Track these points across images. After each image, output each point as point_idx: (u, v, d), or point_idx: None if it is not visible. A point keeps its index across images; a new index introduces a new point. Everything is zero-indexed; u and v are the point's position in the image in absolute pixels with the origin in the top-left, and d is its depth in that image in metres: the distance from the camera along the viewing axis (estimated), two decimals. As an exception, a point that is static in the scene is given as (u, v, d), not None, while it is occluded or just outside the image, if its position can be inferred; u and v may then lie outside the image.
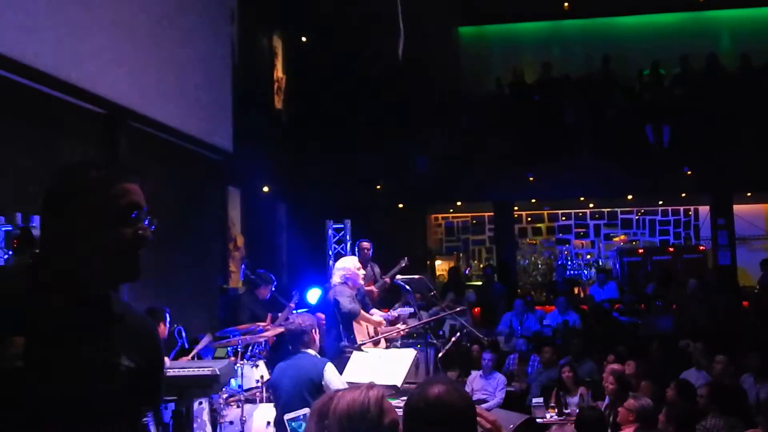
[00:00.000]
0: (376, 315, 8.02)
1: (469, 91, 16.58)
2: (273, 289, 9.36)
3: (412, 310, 8.83)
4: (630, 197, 16.78)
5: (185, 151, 10.30)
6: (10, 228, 6.03)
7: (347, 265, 7.74)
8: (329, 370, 5.63)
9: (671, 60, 15.67)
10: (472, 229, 18.64)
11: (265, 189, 12.94)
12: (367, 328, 7.59)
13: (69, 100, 7.60)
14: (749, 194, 15.92)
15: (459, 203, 17.13)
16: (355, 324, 7.40)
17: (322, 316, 7.57)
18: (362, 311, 7.53)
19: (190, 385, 5.04)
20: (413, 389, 2.61)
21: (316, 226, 12.24)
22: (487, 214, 17.78)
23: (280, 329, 8.17)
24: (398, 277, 7.99)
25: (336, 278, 7.70)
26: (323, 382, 5.54)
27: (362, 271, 7.81)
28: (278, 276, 11.20)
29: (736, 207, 15.32)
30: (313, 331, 5.88)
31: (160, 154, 9.64)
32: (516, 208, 16.69)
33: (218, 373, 5.08)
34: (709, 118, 14.18)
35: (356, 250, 10.61)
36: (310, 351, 5.79)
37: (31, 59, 6.68)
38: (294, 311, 8.96)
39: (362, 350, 6.63)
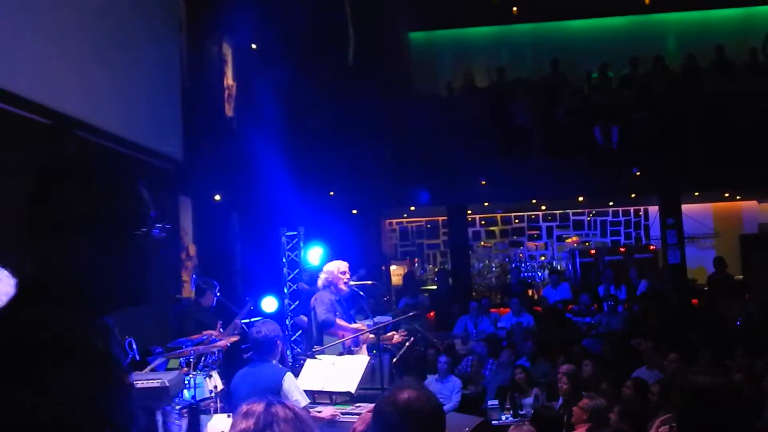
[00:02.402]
0: (359, 323, 7.94)
1: (420, 96, 16.65)
2: (217, 294, 9.27)
3: (389, 318, 8.80)
4: (581, 199, 16.96)
5: (134, 160, 10.16)
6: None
7: (330, 269, 7.65)
8: (288, 380, 5.59)
9: (619, 62, 15.91)
10: (426, 233, 18.70)
11: (217, 197, 12.83)
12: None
13: (12, 111, 7.45)
14: (697, 194, 16.20)
15: (412, 208, 17.16)
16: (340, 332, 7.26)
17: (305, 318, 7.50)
18: (340, 321, 7.37)
19: (138, 397, 4.97)
20: (382, 394, 2.61)
21: (269, 233, 12.17)
22: (440, 218, 17.85)
23: (234, 338, 8.12)
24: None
25: (319, 282, 7.64)
26: (282, 392, 5.51)
27: (347, 275, 7.70)
28: (232, 285, 11.13)
29: (684, 207, 15.57)
30: (278, 341, 5.85)
31: (107, 164, 9.48)
32: (469, 211, 16.78)
33: (167, 384, 5.02)
34: (657, 118, 14.40)
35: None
36: (273, 360, 5.76)
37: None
38: (244, 319, 8.89)
39: (316, 358, 6.61)
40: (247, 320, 9.33)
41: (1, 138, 7.41)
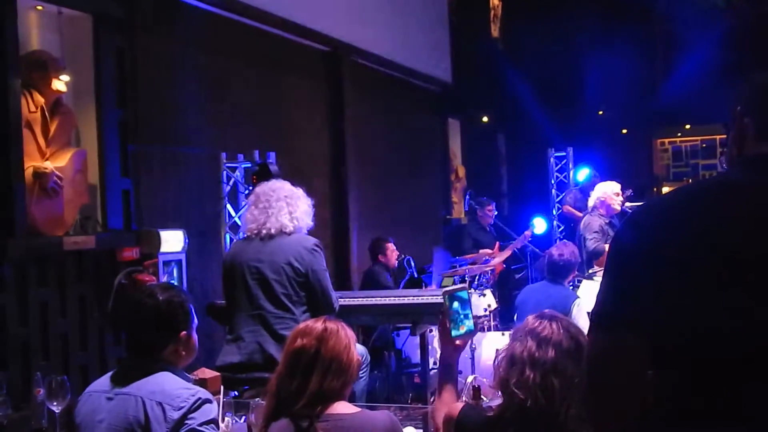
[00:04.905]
0: None
1: (692, 8, 15.56)
2: (494, 212, 9.30)
3: None
4: None
5: (406, 83, 10.42)
6: (249, 165, 6.38)
7: (604, 189, 7.45)
8: (578, 306, 5.51)
9: None
10: (701, 153, 17.66)
11: (485, 119, 12.87)
12: None
13: (296, 40, 7.85)
14: None
15: (687, 126, 16.25)
16: None
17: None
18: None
19: (422, 312, 5.15)
20: None
21: (536, 155, 12.03)
22: (718, 136, 16.75)
23: (506, 254, 8.18)
24: (627, 204, 7.71)
25: (590, 203, 7.51)
26: (570, 316, 5.44)
27: (620, 197, 7.48)
28: (500, 206, 11.18)
29: None
30: (575, 265, 5.83)
31: (381, 88, 9.81)
32: (751, 129, 15.59)
33: (449, 301, 5.15)
34: None
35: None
36: (565, 283, 5.75)
37: (261, 2, 6.93)
38: (528, 240, 8.89)
39: (593, 279, 6.50)
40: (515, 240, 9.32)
41: (287, 66, 7.85)
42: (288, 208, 4.41)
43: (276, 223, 4.36)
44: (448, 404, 2.61)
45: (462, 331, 2.61)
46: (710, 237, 1.50)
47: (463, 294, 2.61)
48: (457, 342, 2.66)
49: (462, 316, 2.61)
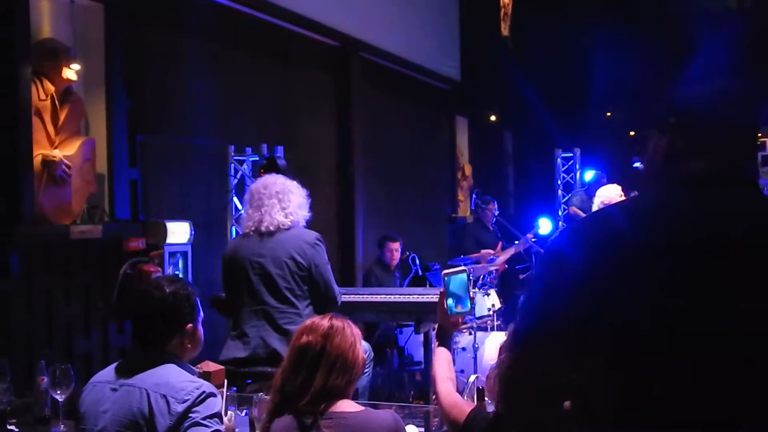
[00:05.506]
0: None
1: (702, 10, 15.50)
2: (496, 211, 9.27)
3: None
4: None
5: (414, 80, 10.40)
6: (257, 158, 6.38)
7: (607, 193, 7.36)
8: None
9: None
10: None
11: (492, 118, 12.84)
12: None
13: (305, 34, 7.84)
14: None
15: (695, 130, 16.20)
16: None
17: None
18: None
19: (426, 310, 5.15)
20: None
21: (544, 155, 12.01)
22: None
23: (509, 253, 8.16)
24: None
25: (593, 207, 7.46)
26: None
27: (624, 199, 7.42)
28: (505, 205, 11.17)
29: None
30: None
31: (389, 85, 9.79)
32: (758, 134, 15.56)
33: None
34: None
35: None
36: None
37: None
38: (530, 242, 8.87)
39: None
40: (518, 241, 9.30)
41: (295, 60, 7.84)
42: (280, 204, 4.40)
43: (272, 221, 4.36)
44: (445, 371, 2.65)
45: (458, 309, 2.66)
46: (642, 259, 1.44)
47: (462, 276, 2.66)
48: (452, 320, 2.70)
49: (460, 297, 2.66)
